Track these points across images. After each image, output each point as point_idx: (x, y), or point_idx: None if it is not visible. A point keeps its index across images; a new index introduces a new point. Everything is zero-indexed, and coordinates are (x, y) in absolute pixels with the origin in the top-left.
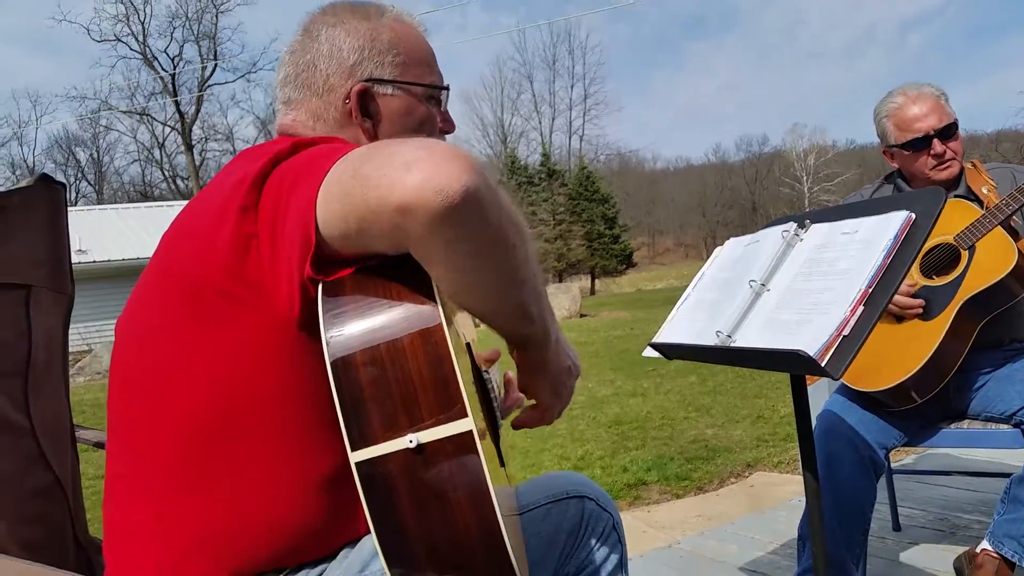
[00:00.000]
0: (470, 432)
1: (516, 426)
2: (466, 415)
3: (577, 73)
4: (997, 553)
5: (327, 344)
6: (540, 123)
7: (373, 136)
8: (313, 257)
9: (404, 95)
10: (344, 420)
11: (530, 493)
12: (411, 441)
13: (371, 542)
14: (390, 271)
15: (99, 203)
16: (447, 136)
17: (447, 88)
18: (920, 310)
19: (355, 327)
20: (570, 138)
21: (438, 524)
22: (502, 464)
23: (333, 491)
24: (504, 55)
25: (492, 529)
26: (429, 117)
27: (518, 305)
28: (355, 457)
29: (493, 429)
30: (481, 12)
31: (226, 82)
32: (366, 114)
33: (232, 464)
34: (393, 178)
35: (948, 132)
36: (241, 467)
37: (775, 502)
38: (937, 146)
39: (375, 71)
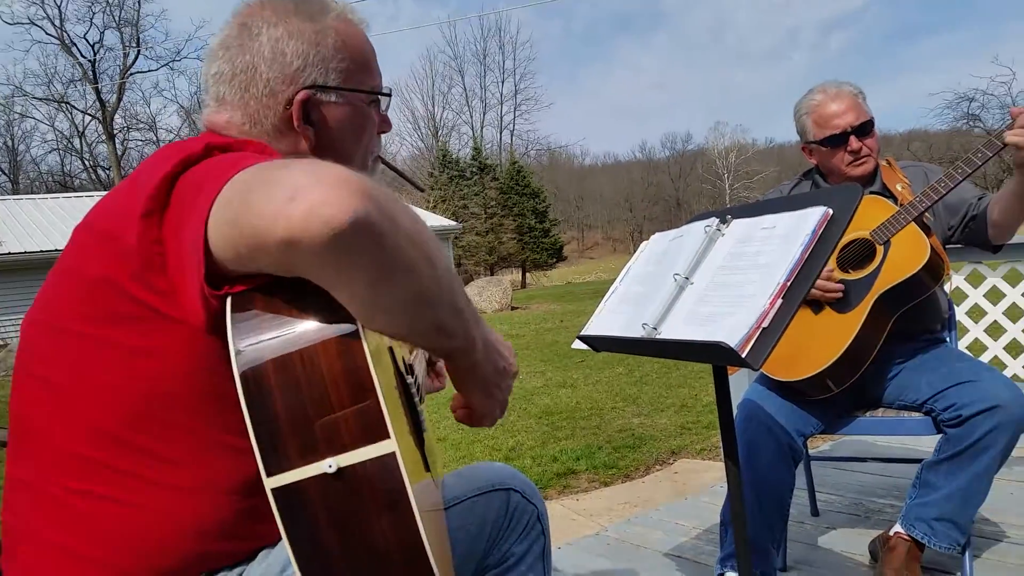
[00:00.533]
0: (392, 454)
1: (458, 420)
2: (388, 436)
3: (508, 68)
4: (909, 536)
5: (235, 358)
6: (471, 117)
7: (314, 144)
8: (207, 276)
9: (347, 102)
10: (258, 443)
11: (457, 486)
12: (330, 466)
13: None
14: (301, 281)
15: (14, 193)
16: (384, 136)
17: (389, 94)
18: (840, 294)
19: (265, 343)
20: (501, 133)
21: (359, 544)
22: (426, 463)
23: (248, 495)
24: (435, 48)
25: (415, 543)
26: (369, 122)
27: (432, 325)
28: (271, 483)
29: (416, 428)
30: (412, 4)
31: (149, 70)
32: (308, 122)
33: (138, 469)
34: (277, 209)
35: (864, 129)
36: (148, 471)
37: (698, 488)
38: (853, 143)
39: (319, 78)
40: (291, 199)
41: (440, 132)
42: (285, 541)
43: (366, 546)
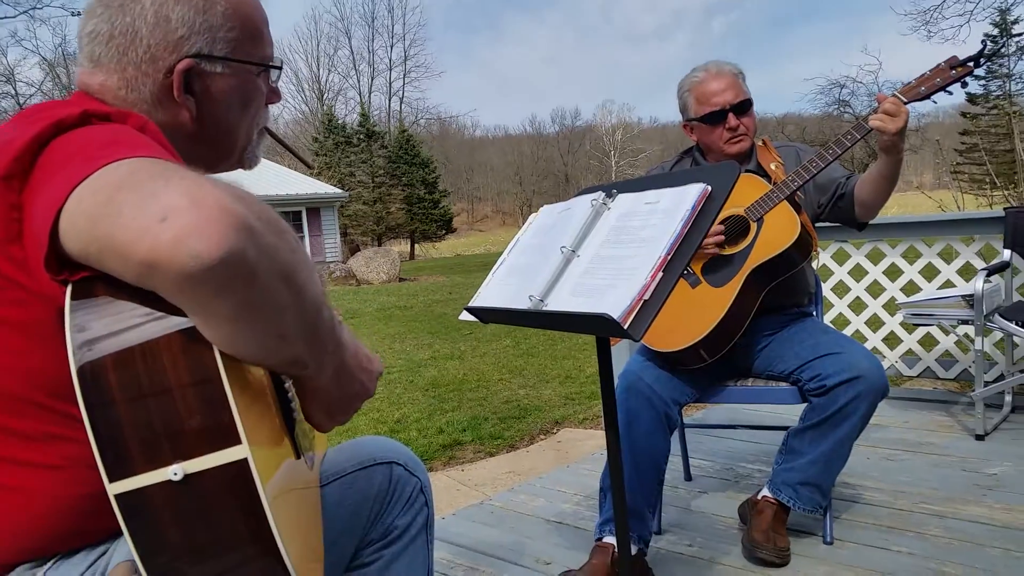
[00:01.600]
0: (244, 460)
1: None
2: (239, 440)
3: (397, 33)
4: (775, 499)
5: (72, 352)
6: (359, 82)
7: (195, 115)
8: (47, 258)
9: (234, 73)
10: (97, 445)
11: (338, 461)
12: (175, 473)
13: None
14: None
15: None
16: (272, 106)
17: (280, 66)
18: (721, 237)
19: (107, 337)
20: (390, 99)
21: (206, 543)
22: (296, 448)
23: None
24: (320, 8)
25: (268, 546)
26: (258, 94)
27: (288, 359)
28: (113, 489)
29: (284, 413)
30: None
31: (5, 17)
32: (190, 92)
33: (4, 450)
34: (144, 226)
35: (742, 108)
36: (14, 451)
37: (580, 456)
38: (731, 120)
39: (204, 47)
40: (162, 219)
41: (326, 96)
42: (129, 543)
43: (213, 543)
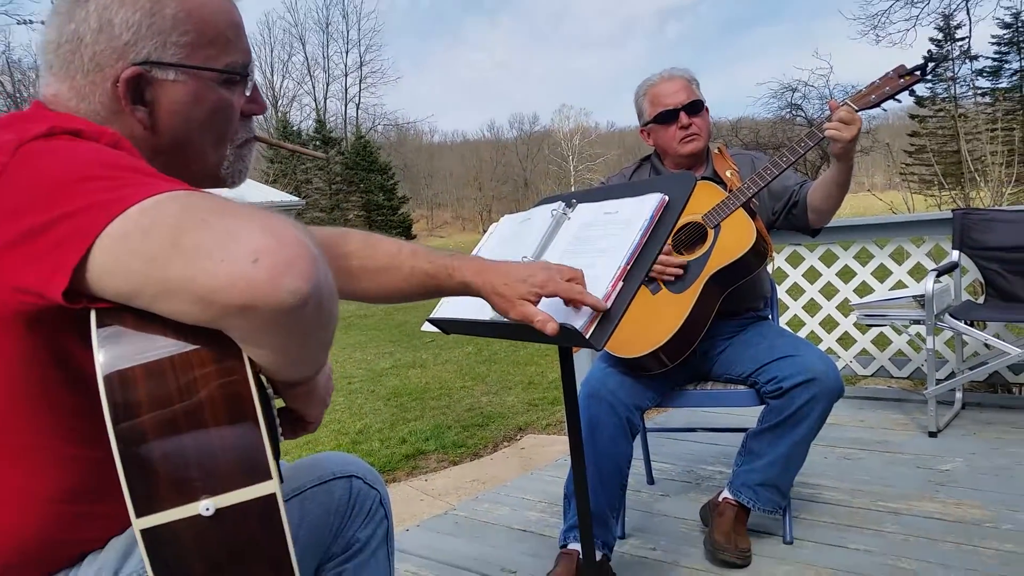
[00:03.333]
0: (273, 495)
1: (286, 438)
2: (269, 476)
3: (352, 39)
4: (736, 500)
5: (102, 383)
6: (314, 88)
7: (149, 126)
8: (67, 291)
9: (191, 80)
10: (127, 479)
11: (297, 477)
12: (207, 508)
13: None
14: None
15: None
16: (256, 118)
17: (248, 74)
18: (680, 271)
19: (139, 369)
20: (346, 106)
21: None
22: (277, 459)
23: (71, 502)
24: (274, 13)
25: (287, 574)
26: (223, 104)
27: (318, 366)
28: (140, 524)
29: (272, 433)
30: None
31: None
32: (140, 101)
33: None
34: (235, 270)
35: (694, 108)
36: None
37: (544, 462)
38: (684, 118)
39: (153, 53)
40: (254, 260)
41: (280, 102)
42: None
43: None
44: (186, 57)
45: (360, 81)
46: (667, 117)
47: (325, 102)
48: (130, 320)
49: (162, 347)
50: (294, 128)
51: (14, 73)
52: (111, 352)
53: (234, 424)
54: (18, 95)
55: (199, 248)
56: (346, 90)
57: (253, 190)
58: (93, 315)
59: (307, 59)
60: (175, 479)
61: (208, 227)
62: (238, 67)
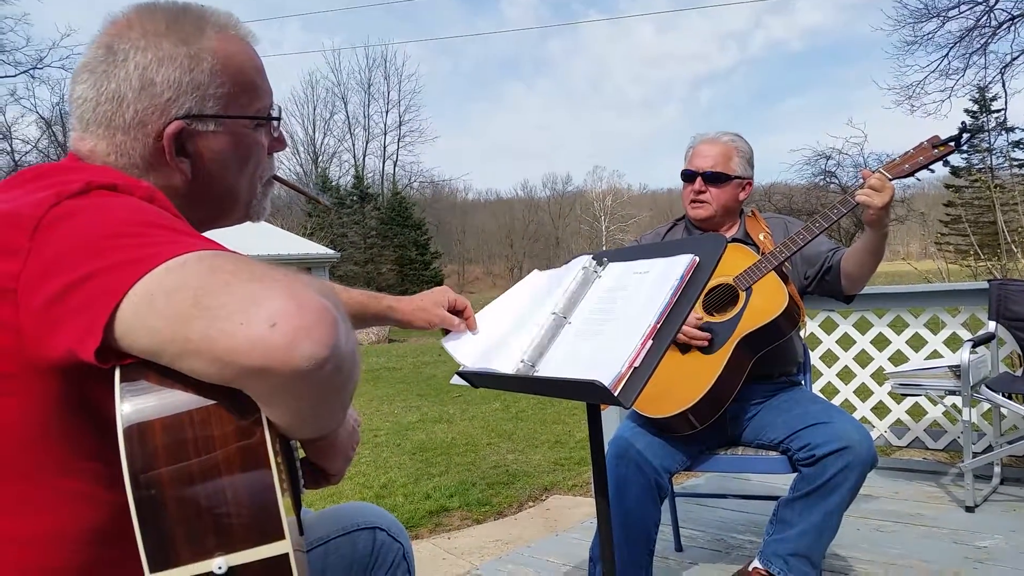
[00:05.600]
0: (286, 555)
1: (308, 488)
2: (283, 536)
3: (392, 99)
4: (766, 570)
5: (122, 437)
6: (353, 145)
7: (190, 177)
8: (97, 352)
9: (228, 129)
10: (142, 533)
11: (322, 526)
12: (219, 567)
13: None
14: None
15: None
16: (277, 153)
17: (279, 118)
18: (705, 342)
19: (158, 424)
20: (384, 162)
21: None
22: (300, 528)
23: (100, 545)
24: (318, 73)
25: None
26: (256, 147)
27: (335, 423)
28: None
29: (294, 484)
30: (298, 29)
31: (6, 76)
32: (183, 154)
33: None
34: (256, 333)
35: (714, 178)
36: None
37: (569, 524)
38: (698, 183)
39: (194, 107)
40: (272, 324)
41: (320, 158)
42: None
43: None
44: (224, 108)
45: (399, 140)
46: (686, 177)
47: (364, 159)
48: (153, 376)
49: (182, 402)
50: (333, 184)
51: (66, 123)
52: (133, 406)
53: (250, 482)
54: (68, 144)
55: (220, 310)
56: (384, 148)
57: (292, 242)
58: (117, 370)
59: (348, 117)
60: (190, 535)
61: (231, 289)
62: (268, 110)
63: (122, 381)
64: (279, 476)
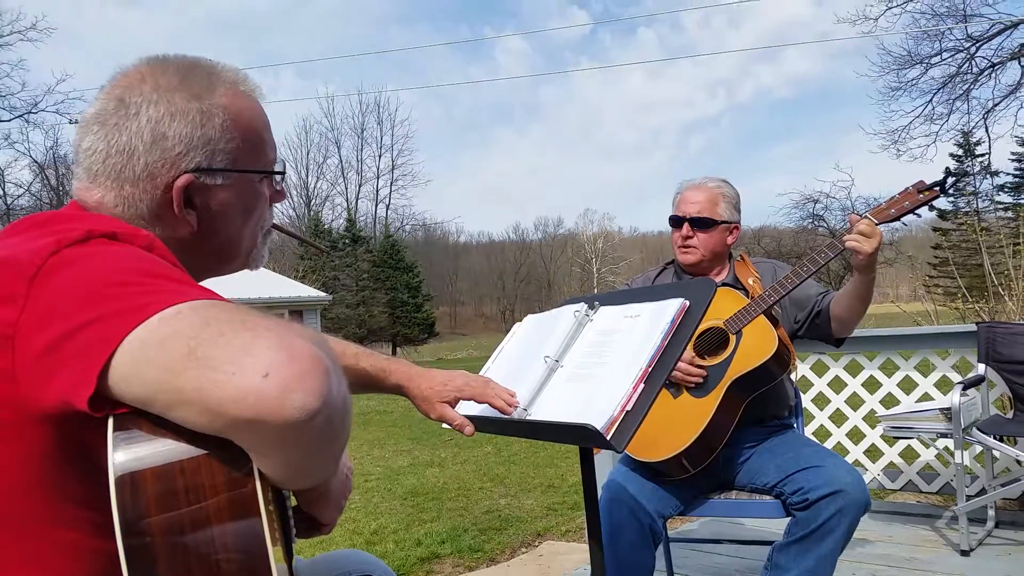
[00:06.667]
0: None
1: (300, 537)
2: None
3: (385, 144)
4: None
5: (114, 488)
6: (346, 189)
7: (195, 229)
8: (90, 401)
9: (235, 182)
10: None
11: (313, 575)
12: None
13: None
14: None
15: None
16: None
17: (283, 172)
18: (700, 379)
19: (150, 475)
20: (376, 206)
21: None
22: (290, 559)
23: None
24: (312, 118)
25: None
26: (261, 199)
27: (326, 474)
28: None
29: (286, 533)
30: (293, 76)
31: (1, 121)
32: (190, 206)
33: None
34: (245, 383)
35: (701, 223)
36: None
37: (562, 571)
38: (685, 229)
39: (203, 161)
40: (264, 375)
41: (313, 202)
42: None
43: None
44: (232, 162)
45: (391, 183)
46: (674, 223)
47: (357, 202)
48: (146, 425)
49: (175, 452)
50: (325, 227)
51: (59, 167)
52: (125, 455)
53: (240, 532)
54: (61, 188)
55: (212, 360)
56: (377, 191)
57: (285, 285)
58: (111, 419)
59: (341, 161)
60: None
61: (223, 340)
62: (273, 164)
63: (116, 430)
64: (270, 526)
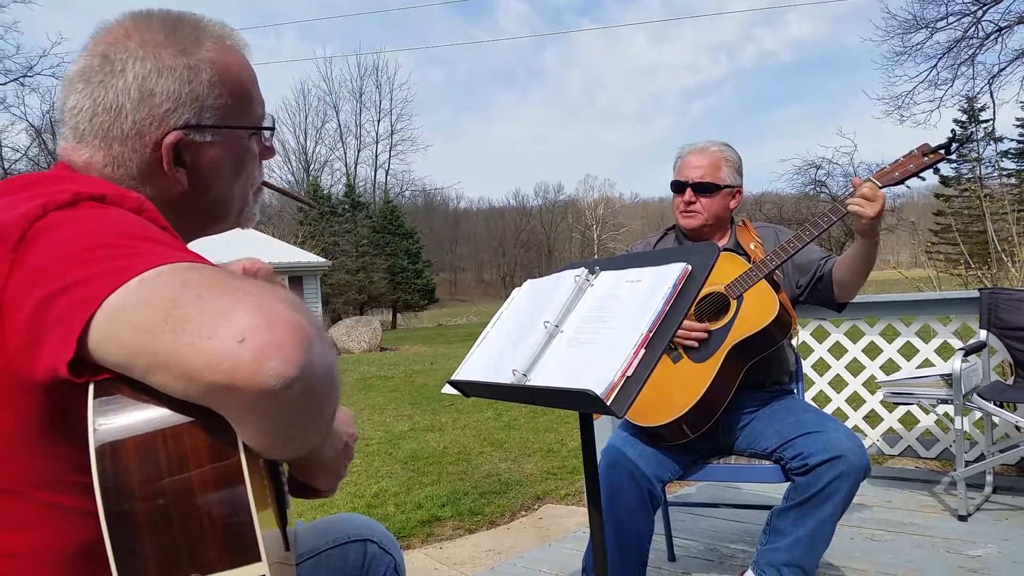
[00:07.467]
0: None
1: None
2: (259, 558)
3: (384, 108)
4: None
5: (94, 456)
6: (345, 154)
7: (185, 187)
8: (72, 363)
9: (225, 139)
10: (114, 556)
11: (313, 538)
12: None
13: None
14: None
15: None
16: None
17: (272, 127)
18: (704, 336)
19: (130, 442)
20: (375, 171)
21: None
22: (287, 543)
23: (92, 560)
24: (309, 82)
25: None
26: (250, 156)
27: (315, 445)
28: None
29: (280, 499)
30: (294, 38)
31: None
32: (179, 164)
33: None
34: (221, 348)
35: (703, 188)
36: None
37: (562, 534)
38: (688, 194)
39: (192, 118)
40: (240, 340)
41: (312, 167)
42: None
43: None
44: (221, 118)
45: (391, 148)
46: (676, 188)
47: (356, 168)
48: (128, 391)
49: (157, 419)
50: (324, 192)
51: (56, 131)
52: (106, 422)
53: (224, 502)
54: (58, 153)
55: (189, 323)
56: (376, 156)
57: (284, 250)
58: (91, 385)
59: (340, 126)
60: (163, 556)
61: (202, 303)
62: (261, 120)
63: (96, 396)
64: (258, 493)
